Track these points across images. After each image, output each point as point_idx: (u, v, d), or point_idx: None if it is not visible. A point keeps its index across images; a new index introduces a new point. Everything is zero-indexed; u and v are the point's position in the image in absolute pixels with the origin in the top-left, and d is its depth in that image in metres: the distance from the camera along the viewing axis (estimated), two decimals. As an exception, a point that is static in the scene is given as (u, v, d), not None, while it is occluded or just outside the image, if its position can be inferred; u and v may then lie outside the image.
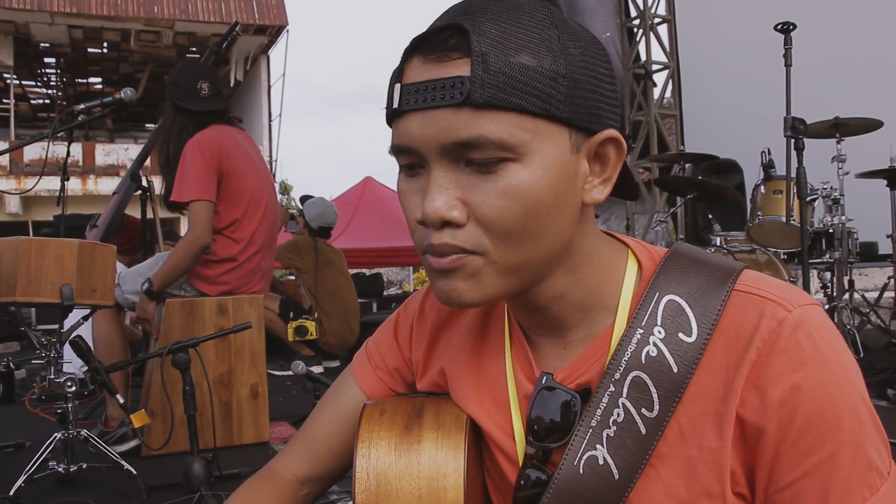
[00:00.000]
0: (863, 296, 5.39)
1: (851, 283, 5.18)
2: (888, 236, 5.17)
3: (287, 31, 16.05)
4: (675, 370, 0.74)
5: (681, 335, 0.75)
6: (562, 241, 0.76)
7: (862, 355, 4.37)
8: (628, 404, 0.75)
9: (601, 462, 0.76)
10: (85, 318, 2.71)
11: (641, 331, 0.77)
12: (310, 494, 1.01)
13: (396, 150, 0.76)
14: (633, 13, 8.90)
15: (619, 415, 0.76)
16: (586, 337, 0.82)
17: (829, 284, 5.17)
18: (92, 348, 2.63)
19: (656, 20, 8.86)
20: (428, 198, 0.72)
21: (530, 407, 0.81)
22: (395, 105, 0.74)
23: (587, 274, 0.80)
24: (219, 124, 3.25)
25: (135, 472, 2.48)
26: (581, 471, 0.76)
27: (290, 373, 3.88)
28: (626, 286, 0.82)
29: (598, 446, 0.76)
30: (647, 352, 0.76)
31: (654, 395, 0.75)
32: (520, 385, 0.86)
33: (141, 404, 3.14)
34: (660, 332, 0.76)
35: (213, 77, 3.35)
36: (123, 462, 2.51)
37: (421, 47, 0.73)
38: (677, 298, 0.77)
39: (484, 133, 0.69)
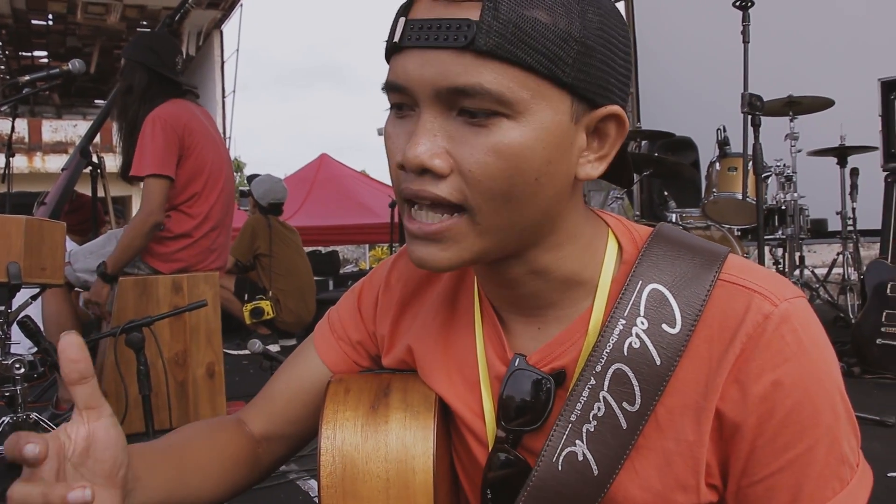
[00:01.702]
0: (812, 272, 5.51)
1: (802, 259, 5.29)
2: (837, 213, 5.28)
3: (241, 5, 15.72)
4: (658, 363, 0.72)
5: (664, 326, 0.73)
6: (548, 211, 0.73)
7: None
8: (609, 398, 0.73)
9: (580, 458, 0.74)
10: (34, 297, 2.63)
11: (624, 321, 0.74)
12: (266, 453, 0.98)
13: (389, 86, 0.71)
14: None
15: (599, 409, 0.73)
16: (561, 318, 0.80)
17: (781, 260, 5.27)
18: (42, 329, 2.56)
19: (613, -3, 8.88)
20: (412, 141, 0.68)
21: (503, 389, 0.79)
22: (396, 39, 0.70)
23: (568, 253, 0.77)
24: (177, 99, 3.18)
25: (88, 455, 2.43)
26: (560, 467, 0.74)
27: (246, 352, 3.84)
28: (606, 268, 0.79)
29: (577, 442, 0.74)
30: (630, 343, 0.73)
31: (636, 389, 0.72)
32: (491, 365, 0.83)
33: (93, 385, 3.07)
34: (643, 324, 0.73)
35: (181, 53, 3.31)
36: (76, 444, 2.45)
37: None
38: (661, 288, 0.74)
39: (482, 82, 0.65)
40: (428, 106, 0.69)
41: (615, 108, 0.72)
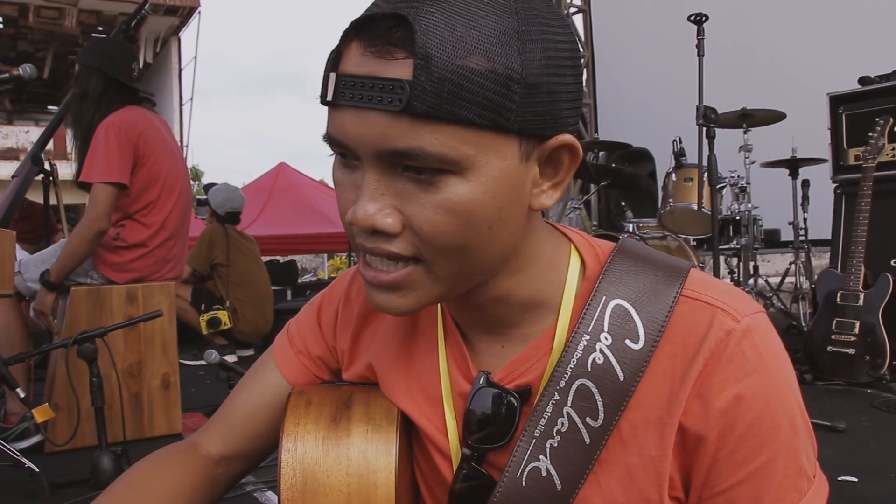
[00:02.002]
0: (766, 281, 5.62)
1: (756, 268, 5.39)
2: (790, 223, 5.40)
3: (199, 12, 15.57)
4: (622, 378, 0.72)
5: (628, 342, 0.73)
6: (504, 251, 0.72)
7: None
8: (573, 413, 0.73)
9: (544, 473, 0.73)
10: (-19, 308, 2.56)
11: (588, 337, 0.74)
12: (224, 474, 0.96)
13: (330, 140, 0.69)
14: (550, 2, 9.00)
15: (563, 424, 0.73)
16: (525, 336, 0.79)
17: (736, 270, 5.37)
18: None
19: (572, 10, 9.00)
20: (360, 203, 0.66)
21: (467, 406, 0.78)
22: (329, 97, 0.66)
23: (530, 275, 0.77)
24: (133, 105, 3.13)
25: (37, 470, 2.37)
26: (524, 483, 0.74)
27: (202, 362, 3.79)
28: (569, 285, 0.79)
29: (541, 457, 0.73)
30: (594, 359, 0.73)
31: (600, 404, 0.72)
32: (455, 382, 0.83)
33: (44, 398, 2.99)
34: (607, 339, 0.73)
35: (137, 60, 3.26)
36: (24, 459, 2.39)
37: (361, 33, 0.65)
38: (624, 303, 0.74)
39: (423, 146, 0.63)
40: (371, 166, 0.66)
41: (566, 139, 0.70)
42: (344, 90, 0.65)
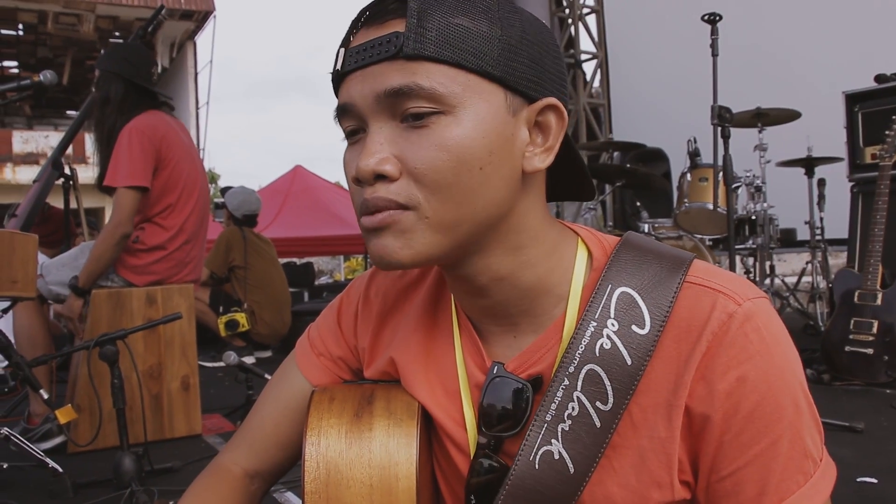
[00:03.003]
0: (783, 280, 5.59)
1: (772, 268, 5.37)
2: (806, 223, 5.38)
3: (214, 16, 15.68)
4: (629, 363, 0.75)
5: (634, 327, 0.75)
6: (498, 204, 0.75)
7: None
8: (583, 398, 0.75)
9: (557, 457, 0.76)
10: (5, 310, 2.60)
11: (595, 323, 0.76)
12: (261, 488, 0.99)
13: (339, 111, 0.77)
14: (564, 3, 9.01)
15: (573, 409, 0.76)
16: (535, 326, 0.82)
17: (752, 269, 5.35)
18: (13, 342, 2.53)
19: (585, 10, 8.99)
20: (363, 153, 0.73)
21: (482, 396, 0.81)
22: (339, 67, 0.76)
23: (533, 256, 0.79)
24: (154, 110, 3.17)
25: (60, 470, 2.40)
26: (537, 466, 0.76)
27: (221, 364, 3.82)
28: (577, 275, 0.81)
29: (553, 441, 0.76)
30: (602, 345, 0.76)
31: (609, 388, 0.75)
32: (471, 374, 0.85)
33: (67, 399, 3.04)
34: (613, 325, 0.76)
35: (156, 64, 3.30)
36: (48, 460, 2.42)
37: (365, 16, 0.76)
38: (630, 290, 0.77)
39: (416, 80, 0.71)
40: (373, 118, 0.74)
41: (551, 100, 0.77)
42: (349, 59, 0.75)
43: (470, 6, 0.73)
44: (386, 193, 0.72)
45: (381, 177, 0.72)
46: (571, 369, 0.76)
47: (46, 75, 2.97)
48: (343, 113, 0.76)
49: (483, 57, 0.72)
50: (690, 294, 0.76)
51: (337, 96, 0.78)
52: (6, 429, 2.44)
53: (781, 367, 0.73)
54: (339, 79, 0.77)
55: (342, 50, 0.76)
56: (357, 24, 0.77)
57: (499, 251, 0.78)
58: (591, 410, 0.75)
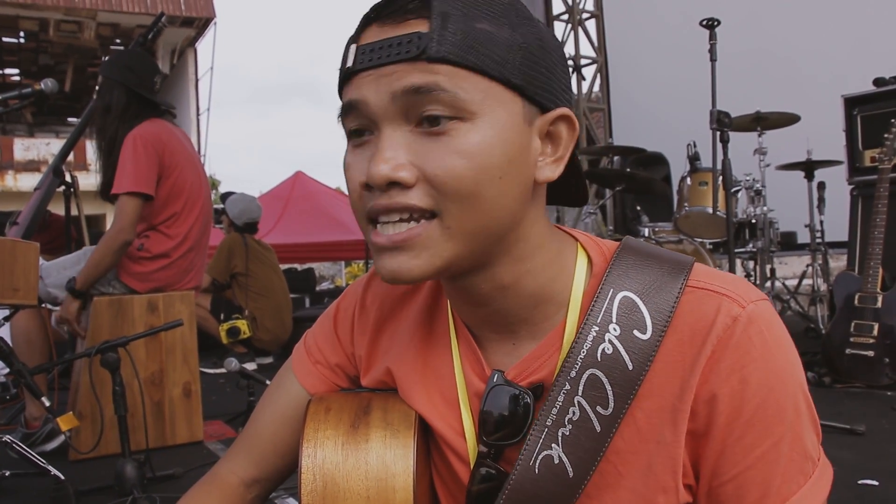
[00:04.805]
0: (783, 283, 5.59)
1: (773, 271, 5.37)
2: (806, 226, 5.38)
3: (215, 23, 15.71)
4: (630, 367, 0.74)
5: (636, 332, 0.75)
6: (513, 213, 0.74)
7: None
8: (584, 402, 0.75)
9: (556, 461, 0.76)
10: (6, 318, 2.61)
11: (597, 328, 0.76)
12: (258, 496, 0.99)
13: (346, 108, 0.74)
14: (563, 8, 9.03)
15: (574, 413, 0.75)
16: (535, 333, 0.82)
17: (753, 273, 5.35)
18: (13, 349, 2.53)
19: (585, 15, 9.01)
20: (375, 158, 0.70)
21: (482, 404, 0.80)
22: (350, 64, 0.73)
23: (536, 265, 0.79)
24: (156, 118, 3.18)
25: (62, 477, 2.40)
26: (537, 470, 0.76)
27: (223, 370, 3.83)
28: (577, 281, 0.81)
29: (553, 445, 0.76)
30: (603, 349, 0.75)
31: (609, 393, 0.75)
32: (469, 383, 0.85)
33: (69, 406, 3.04)
34: (615, 330, 0.76)
35: (159, 72, 3.30)
36: (50, 467, 2.43)
37: (379, 13, 0.73)
38: (631, 295, 0.77)
39: (438, 81, 0.68)
40: (387, 121, 0.71)
41: (564, 110, 0.77)
42: (362, 56, 0.72)
43: (491, 12, 0.72)
44: (405, 199, 0.70)
45: (394, 183, 0.70)
46: (573, 374, 0.76)
47: (48, 84, 2.98)
48: (350, 111, 0.73)
49: (505, 65, 0.71)
50: (693, 298, 0.76)
51: (342, 94, 0.75)
52: (8, 436, 2.44)
53: (783, 370, 0.74)
54: (347, 76, 0.73)
55: (353, 46, 0.73)
56: (369, 20, 0.74)
57: (505, 260, 0.77)
58: (592, 415, 0.75)
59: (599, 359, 0.75)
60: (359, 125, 0.74)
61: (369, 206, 0.72)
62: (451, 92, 0.68)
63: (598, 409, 0.75)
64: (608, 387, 0.75)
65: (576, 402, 0.75)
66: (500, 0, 0.73)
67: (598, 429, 0.75)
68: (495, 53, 0.70)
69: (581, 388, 0.75)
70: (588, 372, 0.75)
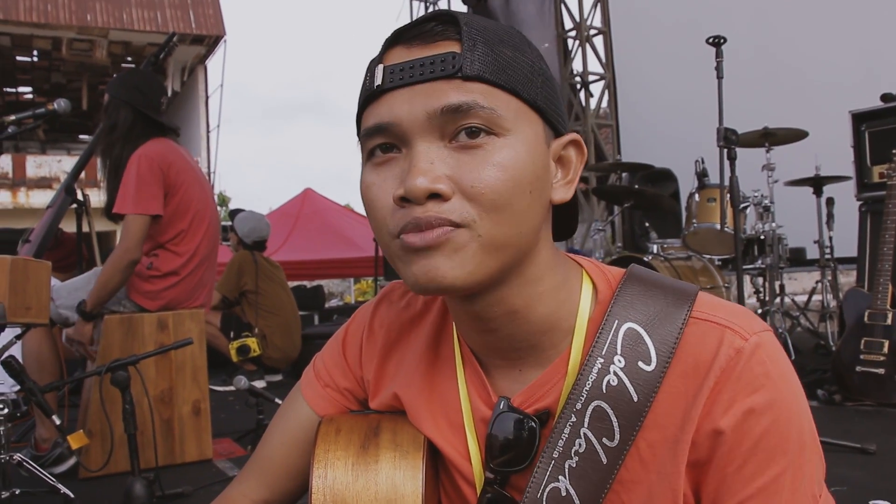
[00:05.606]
0: (793, 300, 5.57)
1: (782, 287, 5.35)
2: (815, 242, 5.36)
3: (225, 41, 15.86)
4: (636, 399, 0.75)
5: (640, 364, 0.75)
6: (536, 230, 0.76)
7: (794, 357, 4.53)
8: (590, 434, 0.76)
9: (564, 493, 0.76)
10: (18, 336, 2.62)
11: (602, 360, 0.77)
12: None
13: (374, 130, 0.74)
14: (571, 24, 9.07)
15: (580, 445, 0.76)
16: (541, 360, 0.82)
17: (762, 289, 5.33)
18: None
19: (592, 32, 9.05)
20: (412, 172, 0.70)
21: (489, 431, 0.81)
22: (378, 82, 0.74)
23: (546, 289, 0.80)
24: (161, 138, 3.21)
25: (72, 496, 2.41)
26: (545, 502, 0.76)
27: (232, 388, 3.83)
28: (583, 308, 0.82)
29: (560, 477, 0.76)
30: (608, 381, 0.76)
31: (615, 425, 0.75)
32: (476, 409, 0.85)
33: (79, 424, 3.05)
34: (620, 362, 0.76)
35: (166, 93, 3.34)
36: (60, 486, 2.43)
37: (404, 36, 0.75)
38: (636, 327, 0.77)
39: (476, 99, 0.71)
40: (420, 137, 0.72)
41: (575, 136, 0.81)
42: (392, 76, 0.73)
43: (509, 39, 0.75)
44: (440, 212, 0.70)
45: (433, 196, 0.70)
46: (579, 406, 0.76)
47: (60, 103, 3.01)
48: (379, 131, 0.74)
49: (531, 87, 0.75)
50: (697, 330, 0.76)
51: (365, 113, 0.76)
52: (19, 455, 2.45)
53: (787, 401, 0.73)
54: (375, 95, 0.74)
55: (380, 66, 0.74)
56: (393, 43, 0.75)
57: (518, 282, 0.78)
58: (598, 447, 0.75)
59: (605, 391, 0.76)
60: (384, 142, 0.74)
61: (405, 221, 0.72)
62: (488, 109, 0.71)
63: (605, 440, 0.75)
64: (614, 418, 0.75)
65: (582, 433, 0.76)
66: (513, 31, 0.78)
67: (605, 461, 0.75)
68: (522, 75, 0.74)
69: (587, 419, 0.76)
70: (594, 404, 0.76)
